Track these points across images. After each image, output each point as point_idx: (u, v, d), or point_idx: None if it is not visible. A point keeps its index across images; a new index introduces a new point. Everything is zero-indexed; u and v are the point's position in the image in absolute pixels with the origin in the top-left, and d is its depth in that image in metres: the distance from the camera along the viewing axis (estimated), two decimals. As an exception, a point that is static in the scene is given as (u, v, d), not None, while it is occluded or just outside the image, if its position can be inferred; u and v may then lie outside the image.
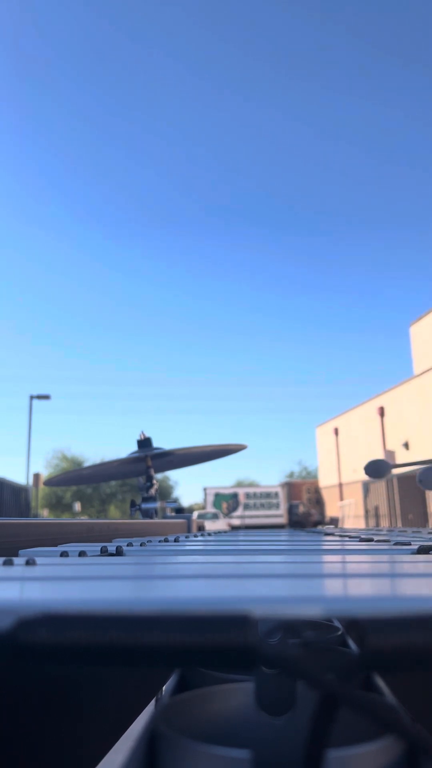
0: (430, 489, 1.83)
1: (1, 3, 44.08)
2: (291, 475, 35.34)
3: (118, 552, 0.79)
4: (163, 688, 0.43)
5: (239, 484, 28.10)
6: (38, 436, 54.59)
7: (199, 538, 1.43)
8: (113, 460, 2.81)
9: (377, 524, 15.14)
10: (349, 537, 1.29)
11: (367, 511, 16.02)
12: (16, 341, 47.15)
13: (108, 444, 44.54)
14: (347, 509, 18.26)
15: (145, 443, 2.84)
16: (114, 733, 0.55)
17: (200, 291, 49.87)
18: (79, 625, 0.26)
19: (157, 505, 2.84)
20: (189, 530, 2.85)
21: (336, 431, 21.45)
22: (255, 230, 49.66)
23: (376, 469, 1.93)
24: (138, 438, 2.86)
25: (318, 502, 23.19)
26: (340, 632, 0.52)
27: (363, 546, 0.90)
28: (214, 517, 20.95)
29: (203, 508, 23.31)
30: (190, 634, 0.25)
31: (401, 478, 13.96)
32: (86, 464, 4.12)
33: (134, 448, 2.86)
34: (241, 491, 23.60)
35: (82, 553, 0.75)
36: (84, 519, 1.79)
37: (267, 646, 0.25)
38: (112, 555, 0.78)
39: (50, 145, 47.68)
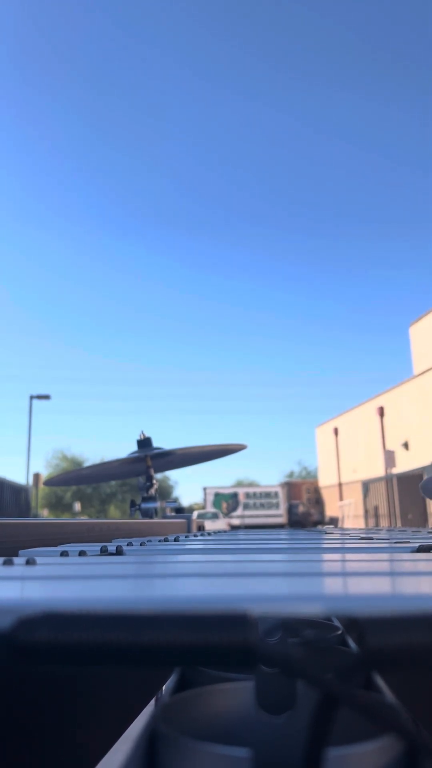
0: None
1: (2, 3, 44.06)
2: (291, 475, 35.37)
3: (118, 551, 0.79)
4: (163, 687, 0.43)
5: (239, 484, 28.07)
6: (38, 436, 54.54)
7: (199, 537, 1.44)
8: (113, 460, 2.80)
9: (377, 524, 15.13)
10: (349, 536, 1.29)
11: (366, 511, 16.02)
12: (16, 341, 47.13)
13: (108, 444, 44.53)
14: (347, 509, 18.26)
15: (145, 443, 2.84)
16: (114, 732, 0.55)
17: (200, 291, 49.87)
18: (79, 625, 0.26)
19: (157, 505, 2.84)
20: (189, 530, 2.85)
21: (336, 431, 21.45)
22: (255, 230, 49.66)
23: None
24: (138, 438, 2.86)
25: (318, 502, 23.18)
26: (339, 631, 0.52)
27: (362, 545, 0.90)
28: (214, 516, 20.94)
29: (203, 507, 23.30)
30: (190, 633, 0.25)
31: (401, 478, 13.96)
32: (86, 464, 4.11)
33: (134, 448, 2.86)
34: (241, 491, 23.59)
35: (82, 553, 0.75)
36: (84, 519, 1.79)
37: (267, 644, 0.25)
38: (112, 554, 0.78)
39: (49, 144, 47.66)
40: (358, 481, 17.67)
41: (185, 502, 32.55)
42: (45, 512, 25.98)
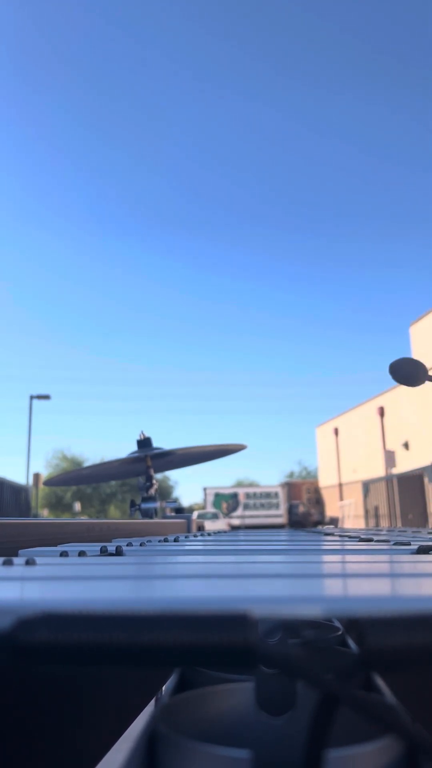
0: (400, 382, 1.48)
1: (2, 3, 44.05)
2: (291, 475, 35.37)
3: (118, 552, 0.79)
4: (163, 688, 0.43)
5: (239, 484, 28.07)
6: (38, 436, 54.54)
7: (199, 538, 1.43)
8: (113, 460, 2.80)
9: (377, 524, 15.12)
10: (349, 537, 1.29)
11: (366, 511, 16.01)
12: (16, 341, 47.13)
13: (108, 444, 44.52)
14: (347, 509, 18.26)
15: (145, 443, 2.84)
16: (114, 733, 0.55)
17: (200, 291, 49.86)
18: (79, 625, 0.26)
19: (157, 505, 2.84)
20: (189, 530, 2.85)
21: (336, 431, 21.44)
22: (255, 230, 49.65)
23: (408, 372, 1.36)
24: (138, 438, 2.86)
25: (318, 502, 23.18)
26: (340, 632, 0.52)
27: (363, 546, 0.90)
28: (214, 517, 20.94)
29: (203, 508, 23.29)
30: (190, 634, 0.25)
31: (401, 478, 13.96)
32: (86, 464, 4.11)
33: (134, 448, 2.86)
34: (241, 491, 23.59)
35: (81, 553, 0.75)
36: (84, 519, 1.79)
37: (267, 645, 0.25)
38: (111, 555, 0.78)
39: (49, 144, 47.68)
40: (358, 482, 17.66)
41: (185, 502, 32.56)
42: (45, 512, 25.97)
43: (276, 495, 23.51)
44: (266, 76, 47.49)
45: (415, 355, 16.85)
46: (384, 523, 14.57)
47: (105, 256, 49.35)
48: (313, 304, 48.03)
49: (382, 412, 17.53)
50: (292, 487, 24.09)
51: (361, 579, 0.42)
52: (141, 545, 0.95)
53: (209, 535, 1.68)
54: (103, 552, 0.81)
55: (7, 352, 45.91)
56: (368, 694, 0.29)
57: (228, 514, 22.66)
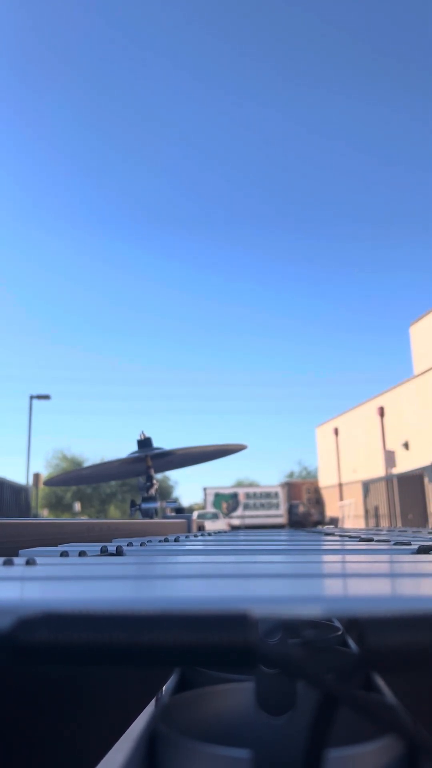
0: None
1: (2, 4, 44.05)
2: (291, 475, 35.36)
3: (118, 552, 0.79)
4: (163, 687, 0.43)
5: (239, 484, 28.06)
6: (38, 436, 54.48)
7: (199, 538, 1.44)
8: (113, 460, 2.80)
9: (377, 524, 15.11)
10: (349, 537, 1.29)
11: (367, 511, 16.00)
12: (16, 341, 47.11)
13: (108, 444, 44.51)
14: (347, 509, 18.26)
15: (145, 443, 2.84)
16: (114, 733, 0.55)
17: (200, 291, 49.84)
18: (79, 625, 0.26)
19: (157, 505, 2.84)
20: (189, 530, 2.85)
21: (336, 431, 21.44)
22: (255, 230, 49.64)
23: None
24: (138, 438, 2.86)
25: (318, 502, 23.17)
26: (340, 632, 0.52)
27: (363, 546, 0.90)
28: (214, 517, 20.94)
29: (203, 508, 23.30)
30: (190, 634, 0.25)
31: (401, 478, 13.96)
32: (86, 464, 4.11)
33: (134, 448, 2.86)
34: (241, 491, 23.59)
35: (82, 553, 0.75)
36: (84, 519, 1.79)
37: (267, 645, 0.25)
38: (112, 555, 0.78)
39: (49, 145, 47.66)
40: (358, 482, 17.66)
41: (185, 502, 32.53)
42: (45, 512, 25.96)
43: (276, 495, 23.51)
44: (266, 76, 47.48)
45: (415, 355, 16.86)
46: (384, 523, 14.56)
47: (105, 256, 49.34)
48: (313, 304, 48.01)
49: (382, 412, 17.53)
50: (292, 487, 24.08)
51: (361, 579, 0.42)
52: (141, 545, 0.95)
53: (209, 535, 1.68)
54: (104, 552, 0.81)
55: (7, 352, 45.90)
56: (368, 694, 0.29)
57: (228, 514, 22.66)
